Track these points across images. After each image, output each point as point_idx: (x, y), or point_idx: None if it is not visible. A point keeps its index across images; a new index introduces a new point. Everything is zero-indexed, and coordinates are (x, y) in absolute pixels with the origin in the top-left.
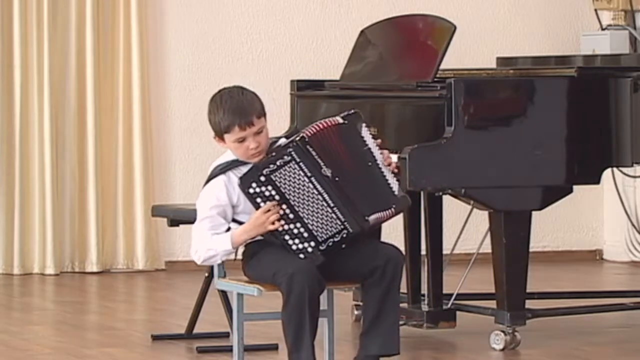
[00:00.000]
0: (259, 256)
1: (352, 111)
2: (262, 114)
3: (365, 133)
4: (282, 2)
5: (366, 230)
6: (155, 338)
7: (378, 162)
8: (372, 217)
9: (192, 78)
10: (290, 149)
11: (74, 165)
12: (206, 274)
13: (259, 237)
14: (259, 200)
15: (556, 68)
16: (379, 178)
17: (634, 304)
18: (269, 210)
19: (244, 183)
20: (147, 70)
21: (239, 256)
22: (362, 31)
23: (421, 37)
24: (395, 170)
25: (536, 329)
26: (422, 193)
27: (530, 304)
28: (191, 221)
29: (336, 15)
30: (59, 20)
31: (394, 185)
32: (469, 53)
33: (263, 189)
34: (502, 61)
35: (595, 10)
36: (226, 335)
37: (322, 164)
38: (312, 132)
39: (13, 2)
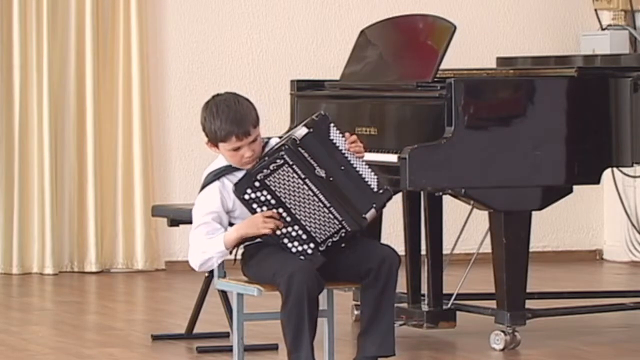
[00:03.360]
0: (258, 257)
1: (320, 114)
2: (257, 122)
3: (334, 134)
4: (282, 2)
5: (364, 228)
6: (155, 338)
7: (352, 163)
8: (368, 215)
9: (192, 78)
10: (282, 152)
11: (73, 165)
12: (206, 274)
13: (258, 240)
14: (254, 205)
15: (556, 68)
16: (354, 180)
17: (634, 304)
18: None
19: (239, 189)
20: (147, 70)
21: (239, 257)
22: (362, 31)
23: (421, 37)
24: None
25: (536, 329)
26: (422, 193)
27: (530, 304)
28: (191, 221)
29: (336, 15)
30: (58, 21)
31: (372, 181)
32: (469, 53)
33: (258, 194)
34: (502, 61)
35: (595, 10)
36: (226, 335)
37: (315, 164)
38: (302, 134)
39: (13, 2)
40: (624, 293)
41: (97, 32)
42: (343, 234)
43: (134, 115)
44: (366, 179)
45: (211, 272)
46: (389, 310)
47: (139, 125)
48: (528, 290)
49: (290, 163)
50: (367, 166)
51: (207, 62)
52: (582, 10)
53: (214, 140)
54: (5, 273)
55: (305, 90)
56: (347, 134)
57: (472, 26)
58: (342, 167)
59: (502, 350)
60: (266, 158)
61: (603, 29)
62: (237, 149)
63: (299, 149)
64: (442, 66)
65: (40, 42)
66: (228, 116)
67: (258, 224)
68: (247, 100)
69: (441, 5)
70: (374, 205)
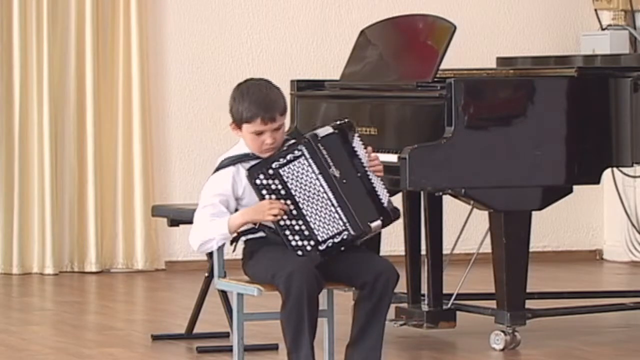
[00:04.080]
0: (257, 256)
1: (345, 120)
2: (284, 111)
3: (357, 142)
4: (282, 2)
5: (366, 236)
6: (155, 338)
7: (368, 173)
8: (373, 224)
9: (192, 78)
10: (301, 145)
11: (74, 164)
12: (206, 274)
13: (260, 234)
14: (264, 192)
15: (556, 68)
16: (367, 189)
17: (634, 304)
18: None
19: (251, 174)
20: (147, 70)
21: (238, 256)
22: (362, 31)
23: (421, 37)
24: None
25: (536, 329)
26: (422, 193)
27: (530, 304)
28: (191, 221)
29: (336, 15)
30: (58, 21)
31: (384, 197)
32: (469, 53)
33: (270, 182)
34: (502, 61)
35: (595, 10)
36: (226, 335)
37: (331, 163)
38: (325, 132)
39: (13, 2)
40: (624, 293)
41: (97, 32)
42: (345, 237)
43: (134, 115)
44: (379, 193)
45: (211, 272)
46: (379, 325)
47: (139, 125)
48: (528, 290)
49: (308, 156)
50: (382, 182)
51: (207, 62)
52: (582, 10)
53: (239, 120)
54: (6, 273)
55: (305, 90)
56: (369, 148)
57: (472, 26)
58: (359, 174)
59: (502, 350)
60: (285, 148)
61: (603, 29)
62: (259, 134)
63: (319, 145)
64: (442, 66)
65: (40, 42)
66: (257, 98)
67: (264, 210)
68: (279, 89)
69: (441, 5)
70: (381, 218)
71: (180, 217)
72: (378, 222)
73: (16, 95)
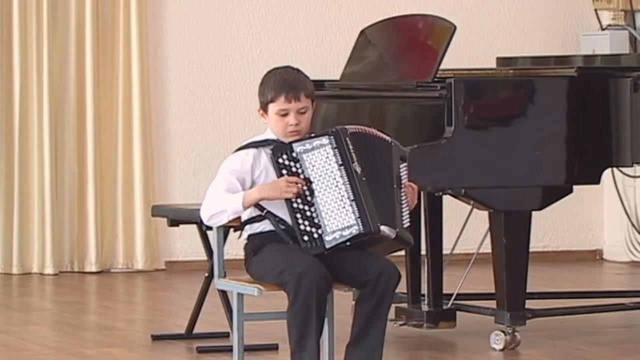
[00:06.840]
0: (262, 253)
1: (405, 147)
2: (310, 95)
3: (403, 168)
4: (282, 2)
5: (374, 236)
6: (155, 338)
7: (402, 192)
8: (383, 227)
9: (192, 78)
10: (330, 135)
11: (74, 164)
12: (206, 274)
13: (262, 229)
14: (284, 172)
15: (556, 68)
16: (395, 203)
17: (634, 304)
18: (292, 182)
19: (276, 152)
20: (147, 70)
21: (239, 256)
22: (362, 31)
23: (421, 37)
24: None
25: (536, 329)
26: (422, 193)
27: (530, 304)
28: (191, 221)
29: (336, 15)
30: (58, 21)
31: (406, 219)
32: (469, 53)
33: (292, 163)
34: (502, 61)
35: (595, 10)
36: (226, 335)
37: (355, 159)
38: (355, 130)
39: (13, 2)
40: (624, 293)
41: (97, 32)
42: (354, 232)
43: (134, 115)
44: (403, 211)
45: (211, 272)
46: (380, 325)
47: (139, 125)
48: (528, 290)
49: (334, 146)
50: (408, 211)
51: (207, 62)
52: (582, 10)
53: (265, 102)
54: (5, 273)
55: None
56: (411, 183)
57: (472, 26)
58: (394, 186)
59: (502, 350)
60: (313, 134)
61: (603, 29)
62: (284, 114)
63: (347, 139)
64: (442, 66)
65: (40, 42)
66: (283, 77)
67: (282, 187)
68: (307, 76)
69: (441, 5)
70: (397, 231)
71: (180, 217)
72: (390, 230)
73: (16, 95)
